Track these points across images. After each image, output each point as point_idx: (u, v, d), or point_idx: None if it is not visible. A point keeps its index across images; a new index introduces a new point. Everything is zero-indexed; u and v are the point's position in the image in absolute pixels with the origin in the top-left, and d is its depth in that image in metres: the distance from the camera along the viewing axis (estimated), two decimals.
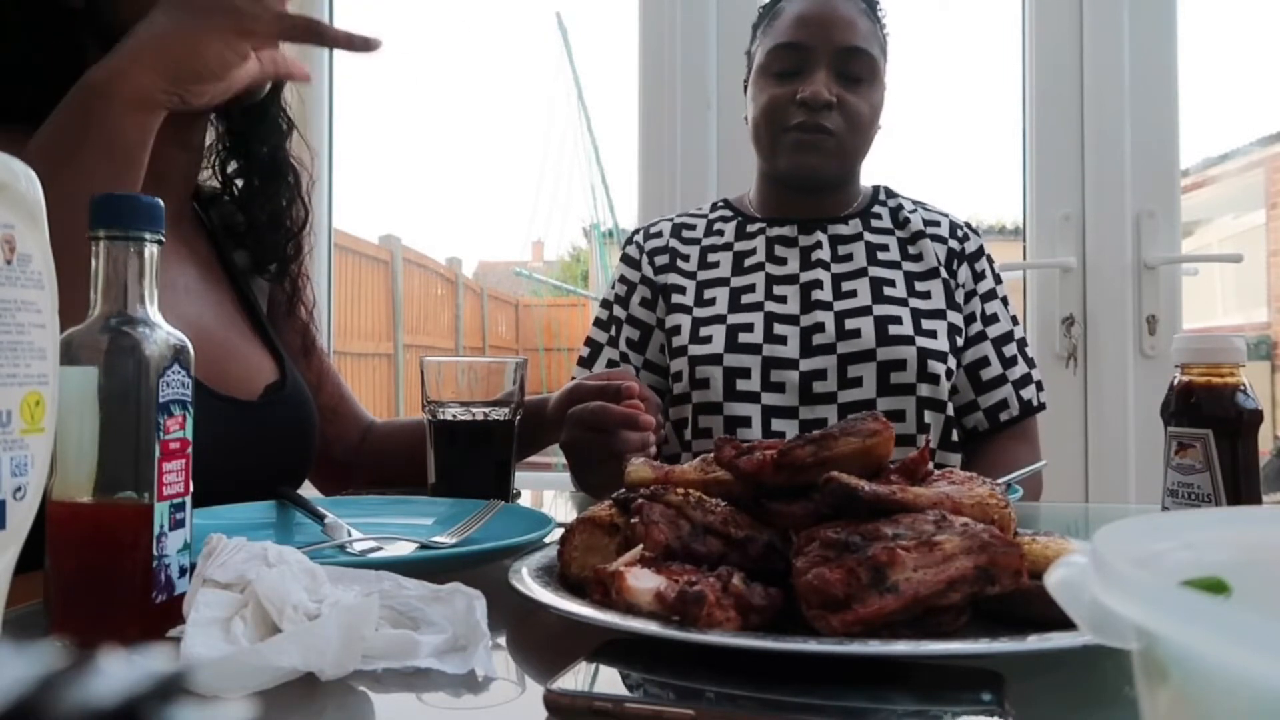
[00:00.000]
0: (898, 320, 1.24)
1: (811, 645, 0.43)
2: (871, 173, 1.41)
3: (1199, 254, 2.71)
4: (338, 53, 2.49)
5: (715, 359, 1.25)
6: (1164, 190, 1.93)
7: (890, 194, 1.40)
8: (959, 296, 1.31)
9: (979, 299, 1.32)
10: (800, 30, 1.28)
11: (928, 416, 1.23)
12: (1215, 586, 0.29)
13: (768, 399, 1.24)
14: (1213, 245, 5.19)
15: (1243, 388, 0.76)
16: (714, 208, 1.44)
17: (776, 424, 1.23)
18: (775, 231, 1.35)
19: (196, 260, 1.04)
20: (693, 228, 1.41)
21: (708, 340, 1.27)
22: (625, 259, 1.41)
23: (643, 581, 0.49)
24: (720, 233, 1.39)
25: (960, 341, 1.29)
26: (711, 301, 1.31)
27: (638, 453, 0.95)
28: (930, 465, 0.60)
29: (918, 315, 1.26)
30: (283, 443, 1.00)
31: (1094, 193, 1.94)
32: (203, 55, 0.76)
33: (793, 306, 1.28)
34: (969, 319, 1.31)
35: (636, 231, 1.43)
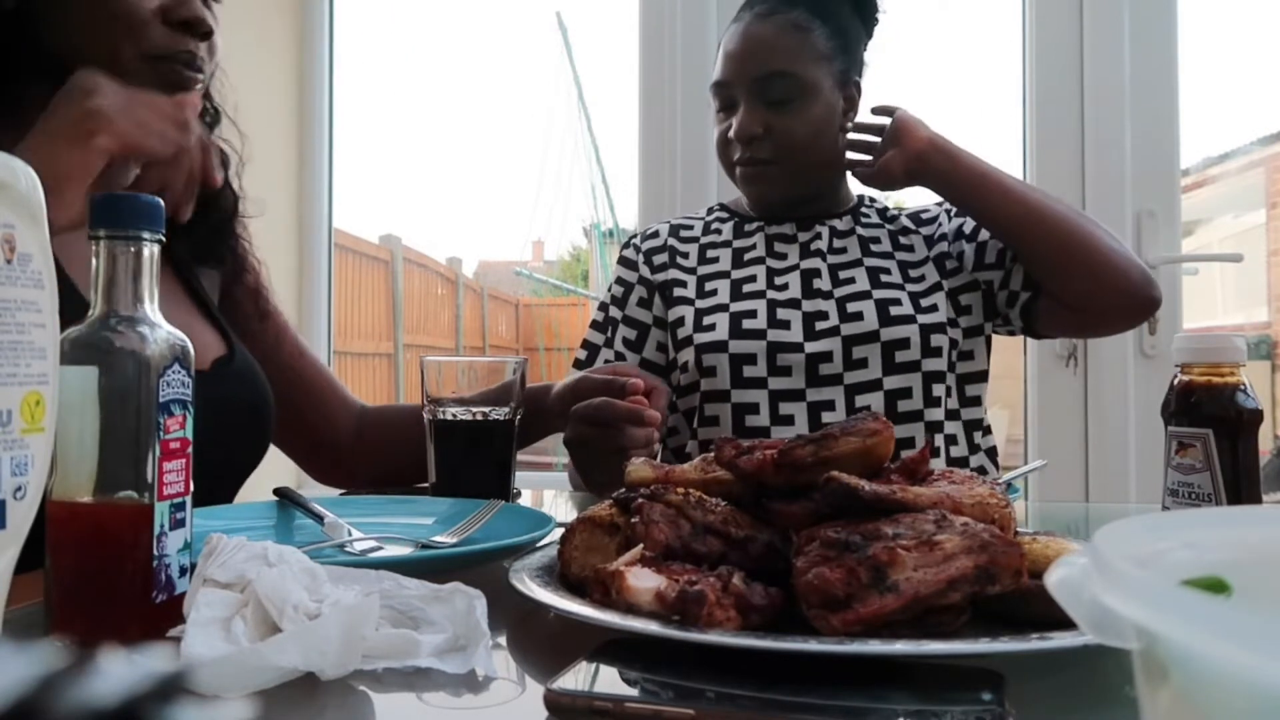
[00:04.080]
0: (898, 302, 1.26)
1: (811, 645, 0.43)
2: None
3: (1199, 254, 2.70)
4: (338, 47, 2.49)
5: (720, 346, 1.26)
6: (1164, 190, 1.93)
7: (873, 200, 1.42)
8: (949, 265, 1.31)
9: (964, 240, 1.31)
10: (724, 67, 1.30)
11: (935, 390, 1.23)
12: (1215, 586, 0.29)
13: (775, 383, 1.24)
14: (1213, 245, 5.18)
15: (1243, 387, 0.76)
16: (710, 211, 1.45)
17: (784, 408, 1.24)
18: (774, 229, 1.36)
19: None
20: (690, 228, 1.42)
21: (711, 328, 1.28)
22: (623, 261, 1.41)
23: (643, 581, 0.49)
24: (718, 232, 1.40)
25: (963, 302, 1.29)
26: (713, 293, 1.32)
27: (643, 449, 0.95)
28: (930, 465, 0.60)
29: (916, 297, 1.27)
30: (237, 414, 1.00)
31: (1094, 193, 1.94)
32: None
33: (794, 293, 1.29)
34: (960, 255, 1.30)
35: (634, 235, 1.44)
